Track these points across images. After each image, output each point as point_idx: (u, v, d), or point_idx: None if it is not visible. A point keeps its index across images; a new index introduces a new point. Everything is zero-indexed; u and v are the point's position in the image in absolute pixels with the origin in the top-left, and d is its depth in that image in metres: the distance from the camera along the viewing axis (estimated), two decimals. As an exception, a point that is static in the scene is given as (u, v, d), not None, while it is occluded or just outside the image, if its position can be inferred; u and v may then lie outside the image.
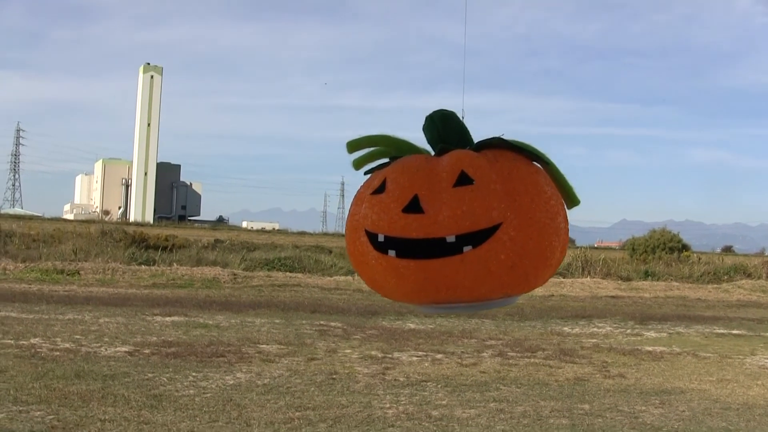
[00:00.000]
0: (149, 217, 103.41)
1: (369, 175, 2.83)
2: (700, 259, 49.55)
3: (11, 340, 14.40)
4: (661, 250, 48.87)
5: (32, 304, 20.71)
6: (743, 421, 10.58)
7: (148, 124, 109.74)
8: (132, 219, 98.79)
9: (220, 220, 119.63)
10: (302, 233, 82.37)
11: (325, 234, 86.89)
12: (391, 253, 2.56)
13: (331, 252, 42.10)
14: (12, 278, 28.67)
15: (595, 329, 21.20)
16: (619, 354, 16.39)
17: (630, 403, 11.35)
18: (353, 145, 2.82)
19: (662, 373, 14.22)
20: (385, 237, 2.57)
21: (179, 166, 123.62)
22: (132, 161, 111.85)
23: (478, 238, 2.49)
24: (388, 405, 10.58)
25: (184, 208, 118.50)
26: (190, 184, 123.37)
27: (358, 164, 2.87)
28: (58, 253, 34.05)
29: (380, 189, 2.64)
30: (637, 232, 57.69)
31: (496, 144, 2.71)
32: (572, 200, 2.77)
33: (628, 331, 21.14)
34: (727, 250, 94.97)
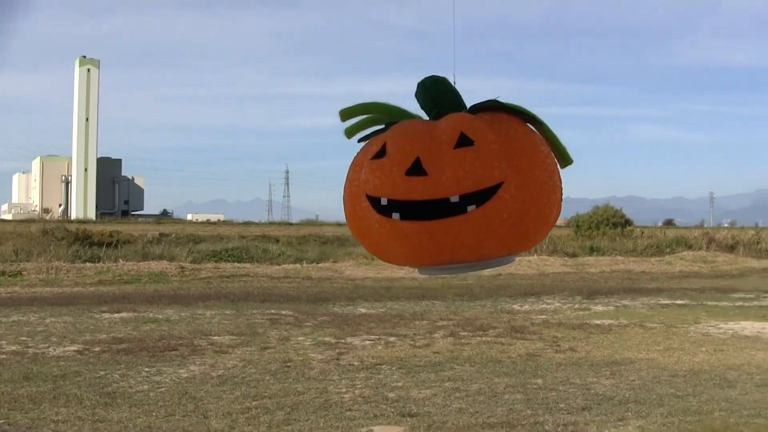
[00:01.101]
0: (91, 214, 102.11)
1: (363, 143, 2.86)
2: (643, 233, 50.21)
3: (-43, 344, 14.19)
4: (605, 225, 49.45)
5: (-25, 307, 20.41)
6: (690, 386, 10.78)
7: (87, 119, 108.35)
8: (74, 216, 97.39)
9: (164, 214, 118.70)
10: (248, 223, 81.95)
11: (272, 223, 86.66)
12: (395, 216, 2.60)
13: (278, 241, 42.04)
14: (-47, 282, 28.23)
15: (544, 306, 21.40)
16: (568, 328, 16.57)
17: (582, 376, 11.50)
18: (346, 113, 2.84)
19: (611, 345, 14.41)
20: (389, 200, 2.61)
21: (120, 160, 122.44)
22: (71, 157, 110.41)
23: (480, 197, 2.54)
24: (344, 389, 10.59)
25: (126, 203, 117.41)
26: (132, 178, 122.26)
27: (350, 132, 2.89)
28: (-2, 254, 33.53)
29: (380, 153, 2.67)
30: (582, 209, 58.19)
31: (491, 107, 2.75)
32: (565, 159, 2.82)
33: (576, 306, 21.38)
34: (668, 223, 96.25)
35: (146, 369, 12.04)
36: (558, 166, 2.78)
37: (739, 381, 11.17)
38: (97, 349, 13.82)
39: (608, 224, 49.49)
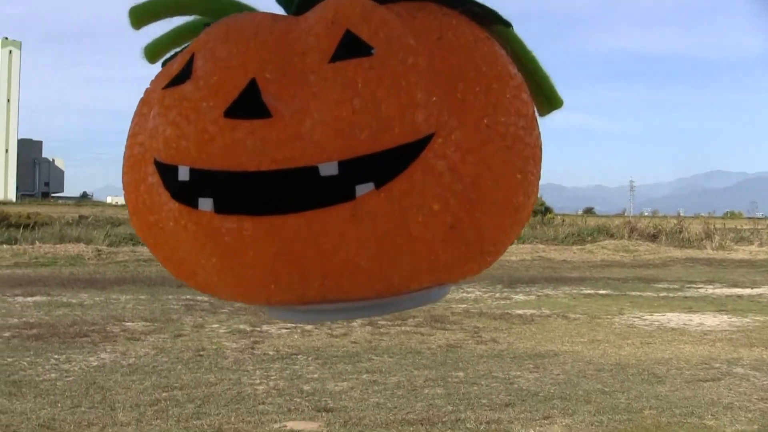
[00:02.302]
0: (12, 195, 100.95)
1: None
2: (564, 221, 50.43)
3: None
4: (526, 213, 49.55)
5: None
6: (618, 381, 10.60)
7: (8, 101, 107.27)
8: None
9: (84, 196, 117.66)
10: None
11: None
12: (205, 204, 1.08)
13: (197, 224, 41.48)
14: None
15: (464, 294, 21.19)
16: (490, 318, 16.39)
17: (504, 369, 11.28)
18: (140, 15, 1.25)
19: (534, 336, 14.24)
20: (192, 171, 1.09)
21: (41, 142, 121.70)
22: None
23: (384, 167, 1.05)
24: (258, 381, 10.28)
25: (47, 185, 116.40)
26: (53, 160, 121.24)
27: (153, 51, 1.31)
28: None
29: (182, 76, 1.14)
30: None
31: None
32: (551, 101, 1.31)
33: (497, 294, 21.22)
34: (588, 211, 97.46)
35: (55, 356, 11.62)
36: (536, 112, 1.25)
37: (668, 376, 11.01)
38: (6, 334, 13.33)
39: (530, 212, 49.70)
